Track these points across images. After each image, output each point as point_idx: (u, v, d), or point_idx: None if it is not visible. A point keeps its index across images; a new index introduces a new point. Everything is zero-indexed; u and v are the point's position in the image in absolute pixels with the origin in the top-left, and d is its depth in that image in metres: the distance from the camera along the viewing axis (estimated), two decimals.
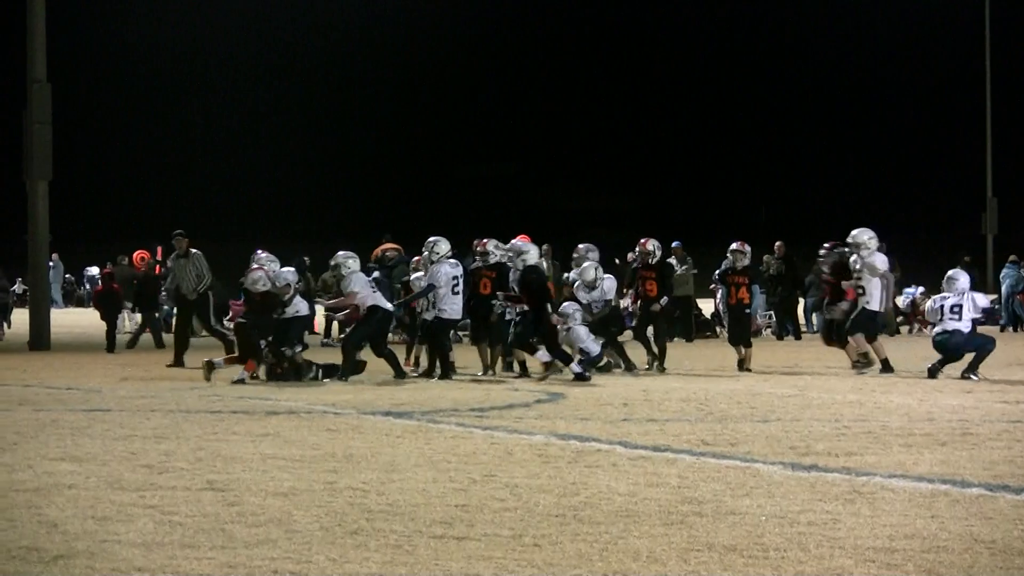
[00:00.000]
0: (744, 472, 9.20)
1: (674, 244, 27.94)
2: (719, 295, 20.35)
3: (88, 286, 48.18)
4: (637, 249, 19.80)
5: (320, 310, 24.20)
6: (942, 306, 17.42)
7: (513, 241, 19.63)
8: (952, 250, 32.36)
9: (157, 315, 27.51)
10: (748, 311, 20.06)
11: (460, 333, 24.15)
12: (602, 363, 18.77)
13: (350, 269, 18.20)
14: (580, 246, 20.10)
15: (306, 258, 28.69)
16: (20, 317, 32.35)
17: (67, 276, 50.59)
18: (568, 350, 18.42)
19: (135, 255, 31.81)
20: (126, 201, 79.95)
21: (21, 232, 27.67)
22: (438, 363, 18.30)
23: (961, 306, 17.31)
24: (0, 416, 12.86)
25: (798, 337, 28.71)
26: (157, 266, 29.05)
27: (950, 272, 17.87)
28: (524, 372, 18.43)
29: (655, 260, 19.55)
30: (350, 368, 17.72)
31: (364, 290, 18.11)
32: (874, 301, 18.54)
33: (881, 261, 18.59)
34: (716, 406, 13.83)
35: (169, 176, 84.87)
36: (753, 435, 11.27)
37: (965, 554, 6.71)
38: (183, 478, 8.97)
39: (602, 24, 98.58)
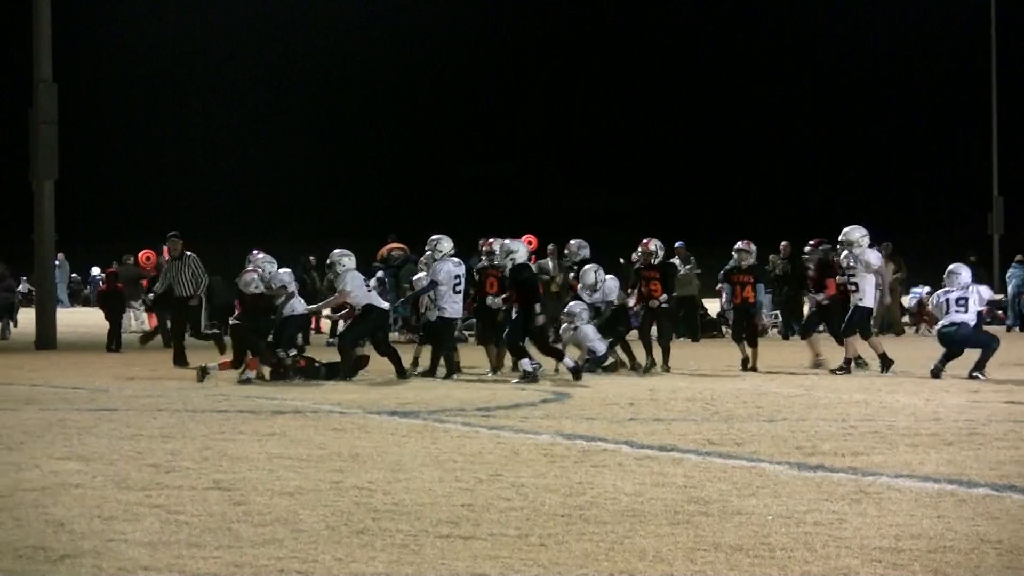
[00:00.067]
0: (750, 472, 9.20)
1: (677, 244, 27.94)
2: (724, 294, 20.32)
3: (91, 286, 48.23)
4: (639, 249, 19.80)
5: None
6: (947, 300, 17.42)
7: (504, 240, 19.58)
8: (958, 250, 32.28)
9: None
10: (752, 310, 20.06)
11: (466, 332, 24.15)
12: (608, 363, 18.76)
13: (344, 267, 18.06)
14: (572, 242, 20.12)
15: (312, 258, 28.70)
16: (26, 316, 32.35)
17: (73, 276, 50.60)
18: (576, 350, 18.40)
19: (140, 254, 31.87)
20: (128, 201, 79.92)
21: (27, 231, 27.68)
22: (442, 362, 18.28)
23: (967, 299, 17.30)
24: (6, 415, 12.87)
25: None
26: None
27: (951, 266, 17.85)
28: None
29: (658, 260, 19.54)
30: (351, 368, 17.68)
31: (358, 289, 18.02)
32: (868, 298, 18.54)
33: (875, 257, 18.59)
34: (722, 406, 13.83)
35: (170, 176, 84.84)
36: (759, 435, 11.27)
37: (971, 554, 6.71)
38: (189, 477, 8.98)
39: (602, 24, 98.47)
